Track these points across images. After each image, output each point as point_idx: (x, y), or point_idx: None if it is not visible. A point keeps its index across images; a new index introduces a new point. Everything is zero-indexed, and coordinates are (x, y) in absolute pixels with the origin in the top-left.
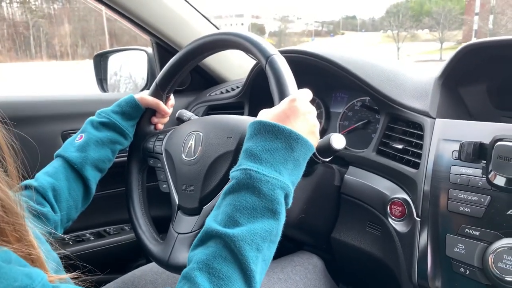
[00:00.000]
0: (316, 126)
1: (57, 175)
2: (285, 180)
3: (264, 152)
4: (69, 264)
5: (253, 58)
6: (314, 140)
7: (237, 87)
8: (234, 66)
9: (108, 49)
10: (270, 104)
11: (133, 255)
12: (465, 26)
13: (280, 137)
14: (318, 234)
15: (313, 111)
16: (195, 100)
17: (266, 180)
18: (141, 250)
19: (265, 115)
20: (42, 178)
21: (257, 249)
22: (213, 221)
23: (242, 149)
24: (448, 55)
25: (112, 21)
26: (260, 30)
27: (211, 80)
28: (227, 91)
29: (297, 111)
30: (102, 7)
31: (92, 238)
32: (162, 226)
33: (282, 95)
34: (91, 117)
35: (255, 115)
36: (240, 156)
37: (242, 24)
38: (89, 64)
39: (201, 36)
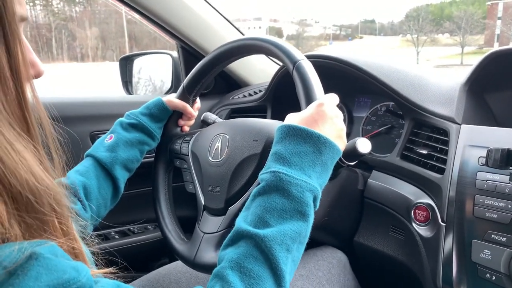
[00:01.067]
0: (343, 130)
1: (88, 174)
2: (314, 183)
3: (293, 155)
4: (95, 261)
5: (276, 63)
6: (341, 144)
7: (260, 90)
8: (256, 70)
9: (133, 52)
10: (292, 107)
11: (156, 254)
12: (487, 31)
13: (308, 140)
14: (341, 237)
15: (340, 115)
16: (219, 103)
17: (295, 182)
18: (164, 249)
19: (293, 119)
20: (74, 176)
21: (287, 249)
22: (243, 221)
23: (271, 152)
24: (470, 60)
25: (132, 23)
26: (278, 33)
27: (234, 83)
28: (250, 95)
29: (324, 115)
30: (132, 12)
31: (117, 237)
32: (187, 225)
33: (309, 99)
34: (121, 119)
35: (278, 119)
36: (269, 159)
37: (260, 27)
38: (108, 65)
39: (228, 41)
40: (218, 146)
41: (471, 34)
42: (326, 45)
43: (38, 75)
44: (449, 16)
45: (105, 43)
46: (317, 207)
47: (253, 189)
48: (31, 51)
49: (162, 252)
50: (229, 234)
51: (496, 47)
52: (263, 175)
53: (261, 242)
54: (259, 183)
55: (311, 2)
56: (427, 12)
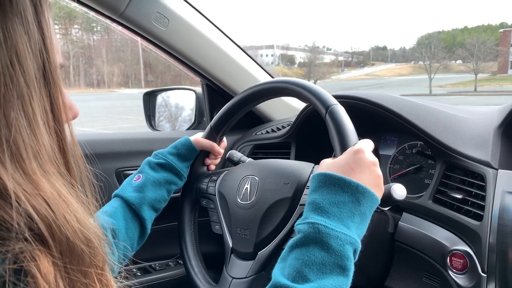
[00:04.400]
0: (381, 178)
1: (116, 215)
2: (353, 235)
3: (331, 205)
4: None
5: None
6: (379, 192)
7: (283, 126)
8: (279, 106)
9: (148, 78)
10: (317, 146)
11: None
12: (500, 58)
13: (347, 190)
14: (371, 281)
15: (377, 162)
16: (241, 138)
17: (335, 235)
18: (185, 286)
19: (329, 166)
20: (102, 217)
21: None
22: (280, 274)
23: (307, 201)
24: (484, 87)
25: (147, 51)
26: (290, 60)
27: (257, 119)
28: (273, 131)
29: (362, 163)
30: (158, 50)
31: (138, 274)
32: (211, 261)
33: (344, 146)
34: (149, 158)
35: (302, 156)
36: (305, 208)
37: (272, 55)
38: (124, 92)
39: (258, 83)
40: (247, 188)
41: (484, 61)
42: (338, 72)
43: (74, 117)
44: (461, 43)
45: (121, 70)
46: (356, 259)
47: (290, 237)
48: (67, 95)
49: None
50: None
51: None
52: (300, 226)
53: None
54: (290, 228)
55: (323, 30)
56: (439, 39)
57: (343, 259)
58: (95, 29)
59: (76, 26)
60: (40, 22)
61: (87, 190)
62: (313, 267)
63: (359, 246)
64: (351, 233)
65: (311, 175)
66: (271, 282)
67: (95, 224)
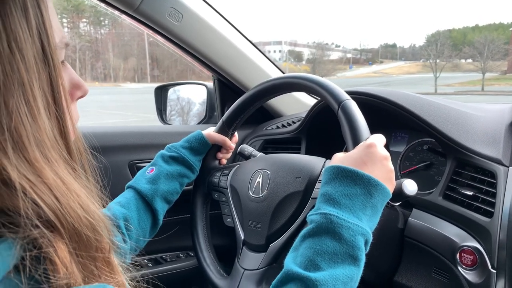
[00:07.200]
0: (392, 172)
1: (129, 206)
2: (365, 226)
3: (343, 197)
4: None
5: (312, 96)
6: (390, 186)
7: (293, 122)
8: (289, 101)
9: (154, 73)
10: (328, 141)
11: (187, 283)
12: (510, 56)
13: (359, 183)
14: (380, 276)
15: (388, 156)
16: (252, 133)
17: (347, 225)
18: (194, 278)
19: (341, 159)
20: (115, 208)
21: None
22: (292, 262)
23: (319, 193)
24: (492, 86)
25: (154, 45)
26: (297, 57)
27: (267, 114)
28: (283, 126)
29: (374, 157)
30: (169, 43)
31: (150, 265)
32: (222, 254)
33: (357, 140)
34: (162, 151)
35: (312, 151)
36: (318, 200)
37: (280, 51)
38: (130, 86)
39: (270, 78)
40: (259, 181)
41: (493, 60)
42: (346, 68)
43: (84, 95)
44: (471, 42)
45: (128, 64)
46: (367, 250)
47: (302, 230)
48: (75, 73)
49: (192, 282)
50: (278, 276)
51: None
52: (312, 216)
53: (313, 286)
54: (302, 221)
55: (333, 27)
56: (447, 37)
57: (354, 249)
58: (103, 23)
59: (84, 20)
60: (38, 3)
61: (87, 172)
62: (325, 256)
63: (371, 238)
64: (362, 224)
65: (323, 168)
66: (283, 270)
67: (98, 207)
